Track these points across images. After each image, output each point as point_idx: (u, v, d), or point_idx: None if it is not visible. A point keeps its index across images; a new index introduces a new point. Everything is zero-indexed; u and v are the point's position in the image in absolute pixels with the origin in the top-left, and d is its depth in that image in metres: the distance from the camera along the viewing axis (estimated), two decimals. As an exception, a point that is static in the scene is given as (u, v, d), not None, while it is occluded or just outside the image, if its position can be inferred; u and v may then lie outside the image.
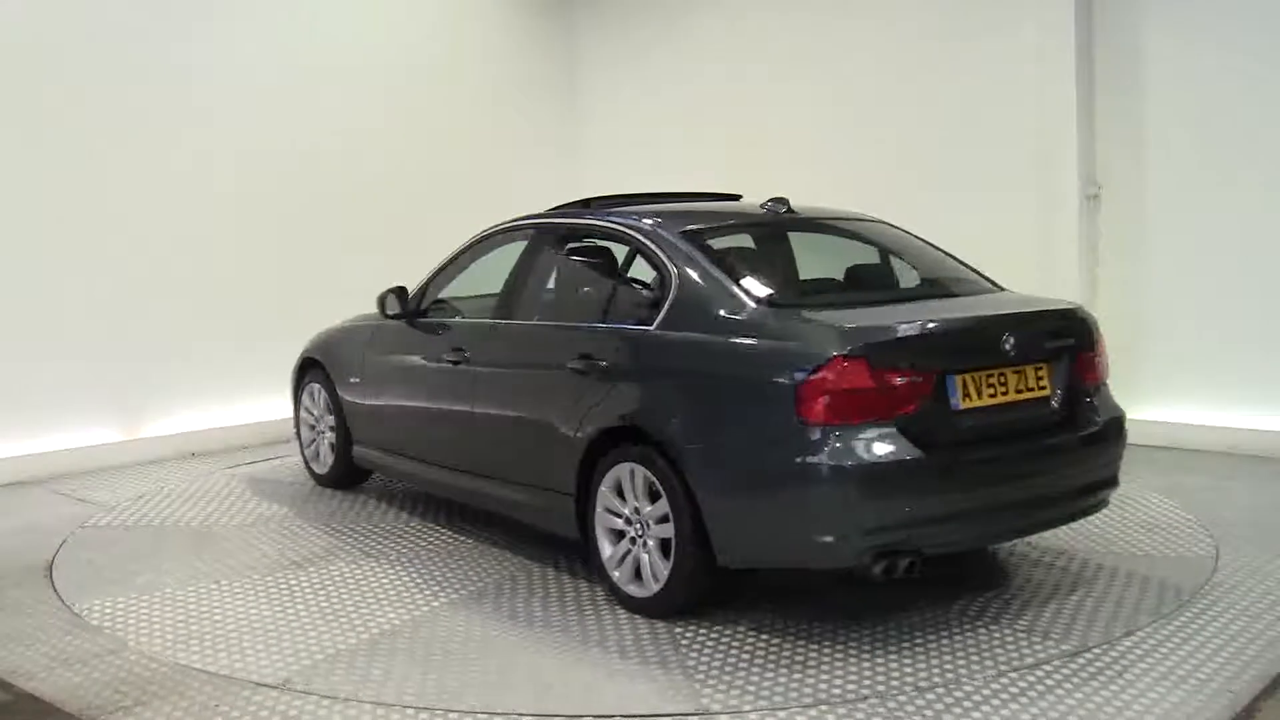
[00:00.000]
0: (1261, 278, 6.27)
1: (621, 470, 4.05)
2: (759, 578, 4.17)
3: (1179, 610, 3.91)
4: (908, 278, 4.57)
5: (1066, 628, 3.77)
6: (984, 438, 3.77)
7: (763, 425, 3.63)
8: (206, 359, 7.42)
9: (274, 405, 7.31)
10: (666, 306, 4.06)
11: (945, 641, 3.68)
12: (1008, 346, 3.81)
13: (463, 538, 5.13)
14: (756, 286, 4.02)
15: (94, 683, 3.55)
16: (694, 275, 4.07)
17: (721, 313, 3.90)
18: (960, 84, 7.20)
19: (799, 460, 3.51)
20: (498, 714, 3.26)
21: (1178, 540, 4.74)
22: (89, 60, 6.86)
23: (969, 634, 3.75)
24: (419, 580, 4.52)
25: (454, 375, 4.98)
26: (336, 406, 5.97)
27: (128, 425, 7.14)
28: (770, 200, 4.65)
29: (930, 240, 4.83)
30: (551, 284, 4.94)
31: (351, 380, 5.85)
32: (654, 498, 3.93)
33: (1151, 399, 6.53)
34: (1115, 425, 4.13)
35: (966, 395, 3.72)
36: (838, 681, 3.40)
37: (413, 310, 5.43)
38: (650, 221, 4.41)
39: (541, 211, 5.16)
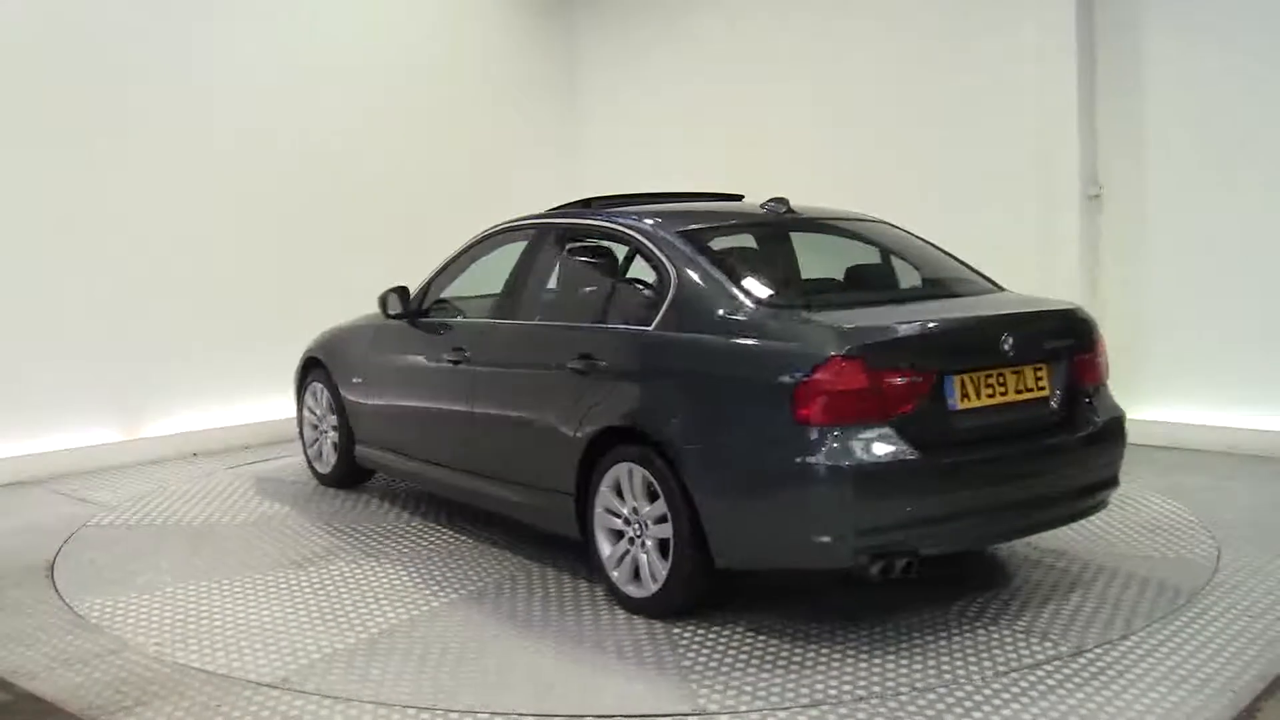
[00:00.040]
0: (1261, 278, 6.26)
1: (620, 470, 4.05)
2: (758, 578, 4.17)
3: (1179, 610, 3.91)
4: (908, 278, 4.57)
5: (1066, 628, 3.77)
6: (982, 438, 3.76)
7: (760, 426, 3.63)
8: (206, 359, 7.43)
9: (274, 405, 7.32)
10: (665, 307, 4.06)
11: (944, 642, 3.68)
12: (1006, 347, 3.80)
13: (463, 537, 5.13)
14: (755, 287, 4.02)
15: (95, 682, 3.55)
16: (692, 275, 4.07)
17: (719, 313, 3.90)
18: (960, 84, 7.19)
19: (796, 461, 3.51)
20: (495, 714, 3.26)
21: (1178, 540, 4.74)
22: (89, 60, 6.86)
23: (968, 635, 3.74)
24: (419, 580, 4.52)
25: (454, 375, 4.99)
26: (339, 406, 5.98)
27: (128, 425, 7.14)
28: (770, 200, 4.65)
29: (931, 240, 4.83)
30: (552, 284, 4.94)
31: (354, 380, 5.86)
32: (653, 498, 3.93)
33: (1152, 399, 6.53)
34: (1115, 425, 4.12)
35: (964, 396, 3.72)
36: (832, 682, 3.40)
37: (414, 310, 5.44)
38: (650, 222, 4.41)
39: (542, 211, 5.17)
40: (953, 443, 3.67)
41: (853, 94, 7.77)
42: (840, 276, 4.55)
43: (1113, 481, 4.13)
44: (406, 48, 8.53)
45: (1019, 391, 3.86)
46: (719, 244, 4.32)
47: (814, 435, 3.49)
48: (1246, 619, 3.81)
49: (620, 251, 4.50)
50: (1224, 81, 6.30)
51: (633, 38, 9.18)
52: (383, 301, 5.51)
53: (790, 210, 4.61)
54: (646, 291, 4.24)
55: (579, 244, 4.80)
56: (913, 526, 3.57)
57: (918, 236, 4.83)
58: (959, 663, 3.52)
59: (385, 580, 4.53)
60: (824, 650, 3.64)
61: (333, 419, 6.06)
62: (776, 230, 4.71)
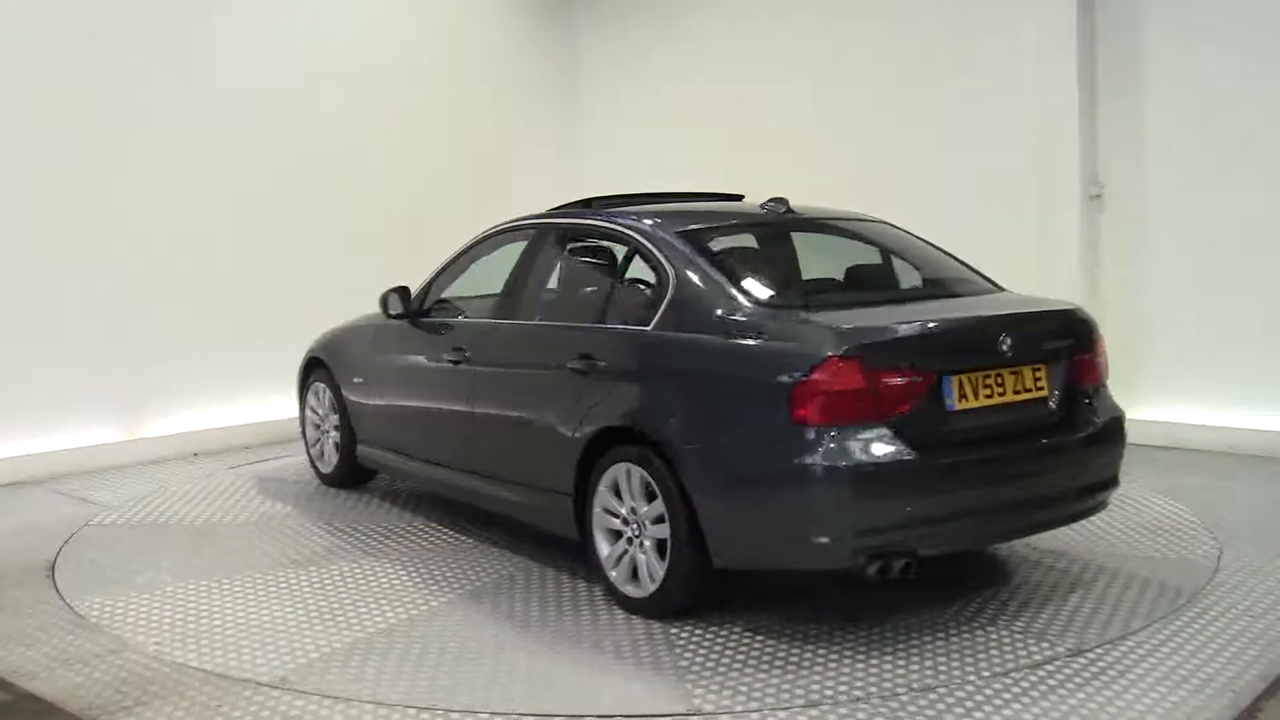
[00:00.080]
0: (1261, 278, 6.26)
1: (618, 470, 4.05)
2: (756, 578, 4.17)
3: (1180, 610, 3.90)
4: (908, 278, 4.57)
5: (1066, 628, 3.77)
6: (980, 438, 3.76)
7: (757, 426, 3.63)
8: (206, 359, 7.43)
9: (275, 405, 7.33)
10: (663, 307, 4.06)
11: (943, 643, 3.68)
12: (1005, 347, 3.80)
13: (464, 537, 5.13)
14: (753, 287, 4.02)
15: (95, 682, 3.56)
16: (691, 276, 4.07)
17: (717, 313, 3.90)
18: (960, 84, 7.19)
19: (793, 461, 3.51)
20: (493, 713, 3.26)
21: (1178, 541, 4.74)
22: (89, 60, 6.86)
23: (967, 635, 3.74)
24: (418, 579, 4.52)
25: (454, 375, 4.99)
26: (341, 406, 5.98)
27: (128, 425, 7.14)
28: (769, 200, 4.65)
29: (931, 240, 4.83)
30: (552, 284, 4.94)
31: (355, 380, 5.86)
32: (651, 498, 3.93)
33: (1152, 399, 6.53)
34: (1114, 426, 4.11)
35: (962, 396, 3.72)
36: (829, 683, 3.39)
37: (415, 310, 5.44)
38: (648, 222, 4.41)
39: (542, 211, 5.17)
40: (951, 443, 3.66)
41: (853, 94, 7.76)
42: (840, 277, 4.54)
43: (1112, 482, 4.13)
44: (406, 48, 8.53)
45: (1017, 392, 3.86)
46: (718, 244, 4.32)
47: (811, 436, 3.49)
48: (1247, 619, 3.81)
49: (620, 252, 4.50)
50: (1224, 81, 6.30)
51: (633, 38, 9.18)
52: (384, 301, 5.51)
53: (789, 210, 4.61)
54: (645, 292, 4.24)
55: (579, 244, 4.80)
56: (911, 527, 3.56)
57: (918, 236, 4.83)
58: (955, 663, 3.51)
59: (385, 580, 4.53)
60: (822, 651, 3.64)
61: (335, 419, 6.07)
62: (776, 230, 4.70)
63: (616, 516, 4.10)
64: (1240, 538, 4.71)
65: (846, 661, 3.55)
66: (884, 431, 3.52)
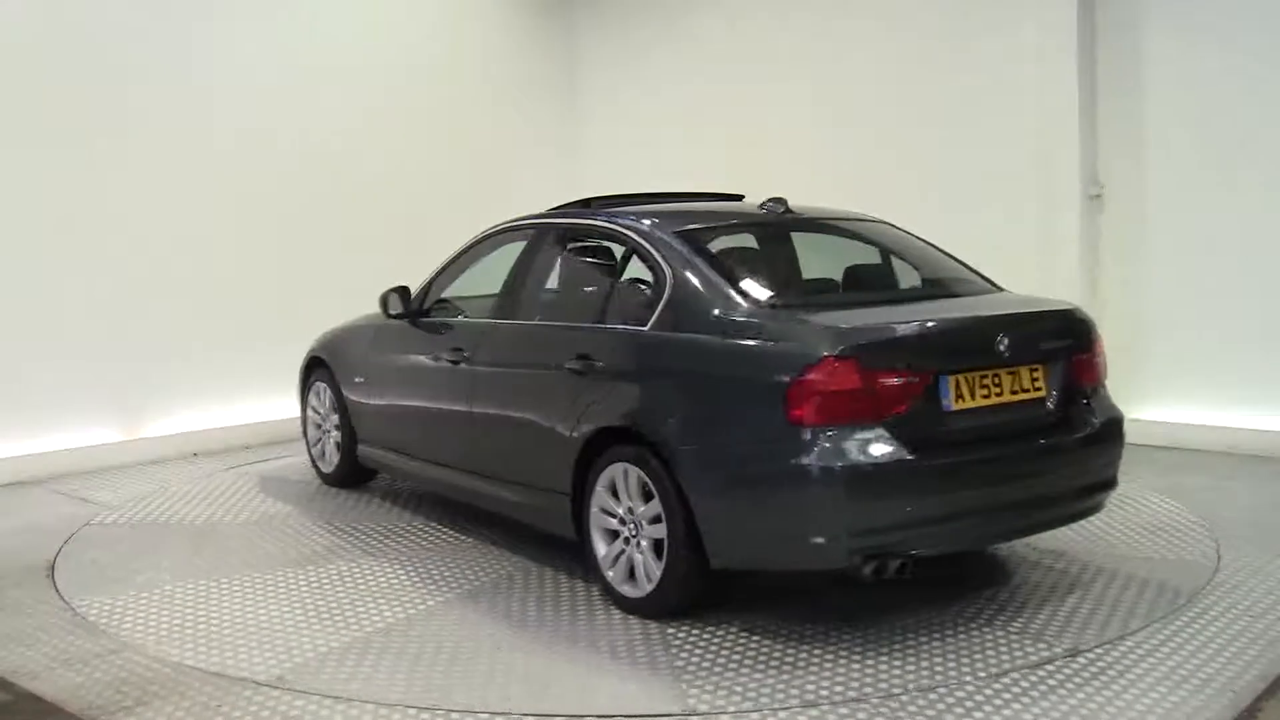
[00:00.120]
0: (1261, 278, 6.26)
1: (616, 470, 4.05)
2: (753, 578, 4.17)
3: (1180, 611, 3.90)
4: (907, 278, 4.56)
5: (1065, 629, 3.77)
6: (977, 439, 3.75)
7: (754, 426, 3.63)
8: (206, 359, 7.43)
9: (275, 405, 7.33)
10: (661, 307, 4.06)
11: (941, 643, 3.68)
12: (1002, 347, 3.79)
13: (463, 537, 5.14)
14: (750, 287, 4.01)
15: (95, 682, 3.56)
16: (688, 276, 4.06)
17: (714, 313, 3.90)
18: (960, 84, 7.19)
19: (789, 462, 3.50)
20: (490, 713, 3.26)
21: (1178, 541, 4.73)
22: (89, 60, 6.87)
23: (966, 635, 3.74)
24: (417, 579, 4.53)
25: (454, 375, 4.99)
26: (341, 406, 5.99)
27: (128, 425, 7.15)
28: (768, 200, 4.65)
29: (930, 240, 4.83)
30: (551, 284, 4.95)
31: (356, 379, 5.87)
32: (648, 498, 3.93)
33: (1151, 399, 6.53)
34: (1113, 426, 4.10)
35: (959, 396, 3.71)
36: (826, 683, 3.39)
37: (415, 310, 5.45)
38: (646, 222, 4.41)
39: (541, 211, 5.17)
40: (947, 443, 3.66)
41: (853, 94, 7.76)
42: (839, 277, 4.54)
43: (1111, 482, 4.12)
44: (406, 48, 8.53)
45: (1015, 392, 3.86)
46: (716, 244, 4.32)
47: (807, 436, 3.49)
48: (1247, 619, 3.81)
49: (618, 251, 4.50)
50: (1224, 81, 6.30)
51: (633, 38, 9.18)
52: (384, 301, 5.52)
53: (788, 210, 4.61)
54: (643, 292, 4.23)
55: (578, 244, 4.80)
56: (907, 527, 3.56)
57: (917, 237, 4.82)
58: (953, 663, 3.51)
59: (384, 579, 4.53)
60: (819, 651, 3.64)
61: (335, 418, 6.07)
62: (776, 230, 4.70)
63: (614, 516, 4.10)
64: (1240, 538, 4.70)
65: (844, 662, 3.54)
66: (880, 432, 3.52)
